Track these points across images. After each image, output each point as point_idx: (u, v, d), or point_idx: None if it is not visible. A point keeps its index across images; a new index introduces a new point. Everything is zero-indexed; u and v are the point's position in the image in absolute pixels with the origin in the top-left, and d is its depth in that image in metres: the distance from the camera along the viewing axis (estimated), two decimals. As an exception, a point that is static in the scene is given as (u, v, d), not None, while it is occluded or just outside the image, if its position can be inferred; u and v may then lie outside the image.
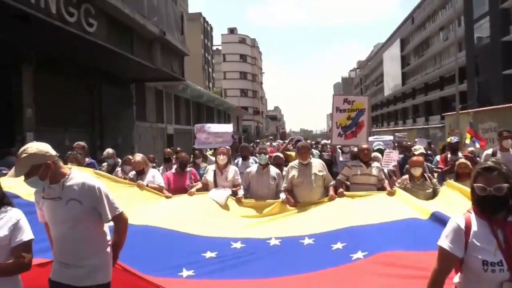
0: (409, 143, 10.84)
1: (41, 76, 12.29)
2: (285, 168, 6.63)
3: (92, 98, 16.50)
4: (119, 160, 8.50)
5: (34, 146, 2.84)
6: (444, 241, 2.33)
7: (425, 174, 6.01)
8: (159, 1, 17.20)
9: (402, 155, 8.85)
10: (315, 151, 10.32)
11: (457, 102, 24.36)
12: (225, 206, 5.44)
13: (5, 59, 11.09)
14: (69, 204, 2.86)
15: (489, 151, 7.36)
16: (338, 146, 8.56)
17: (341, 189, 5.66)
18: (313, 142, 18.58)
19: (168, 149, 9.77)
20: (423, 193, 5.64)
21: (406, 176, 6.13)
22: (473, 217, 2.34)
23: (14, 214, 2.73)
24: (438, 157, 8.51)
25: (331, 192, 5.63)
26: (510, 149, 6.95)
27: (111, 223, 3.09)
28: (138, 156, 6.54)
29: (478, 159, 7.53)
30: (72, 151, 7.27)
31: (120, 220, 3.06)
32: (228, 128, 9.09)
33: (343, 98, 7.82)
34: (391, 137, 13.35)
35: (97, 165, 8.08)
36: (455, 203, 4.61)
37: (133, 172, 6.46)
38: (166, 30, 17.41)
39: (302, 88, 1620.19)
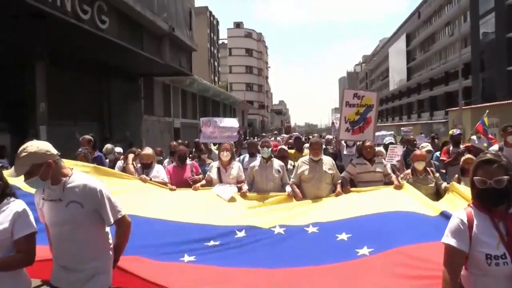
0: (411, 137, 10.92)
1: (53, 72, 12.75)
2: (290, 162, 6.79)
3: (101, 92, 16.97)
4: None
5: (35, 145, 2.72)
6: (449, 238, 2.29)
7: (427, 169, 5.91)
8: (168, -2, 17.51)
9: (404, 148, 8.86)
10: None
11: (460, 97, 24.52)
12: (230, 199, 5.41)
13: (20, 57, 11.55)
14: (70, 206, 2.75)
15: (495, 147, 7.29)
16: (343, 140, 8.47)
17: (348, 187, 5.68)
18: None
19: (174, 142, 10.02)
20: (425, 187, 5.56)
21: (409, 171, 6.05)
22: (474, 211, 2.31)
23: (16, 206, 2.66)
24: (438, 153, 8.48)
25: (338, 188, 5.58)
26: None
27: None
28: (149, 150, 6.51)
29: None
30: (81, 146, 7.37)
31: (122, 224, 2.95)
32: (234, 123, 8.85)
33: (354, 92, 7.62)
34: (392, 132, 13.48)
35: (104, 158, 8.23)
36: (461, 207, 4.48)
37: (139, 164, 6.43)
38: (175, 26, 17.72)
39: (307, 83, 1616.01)
